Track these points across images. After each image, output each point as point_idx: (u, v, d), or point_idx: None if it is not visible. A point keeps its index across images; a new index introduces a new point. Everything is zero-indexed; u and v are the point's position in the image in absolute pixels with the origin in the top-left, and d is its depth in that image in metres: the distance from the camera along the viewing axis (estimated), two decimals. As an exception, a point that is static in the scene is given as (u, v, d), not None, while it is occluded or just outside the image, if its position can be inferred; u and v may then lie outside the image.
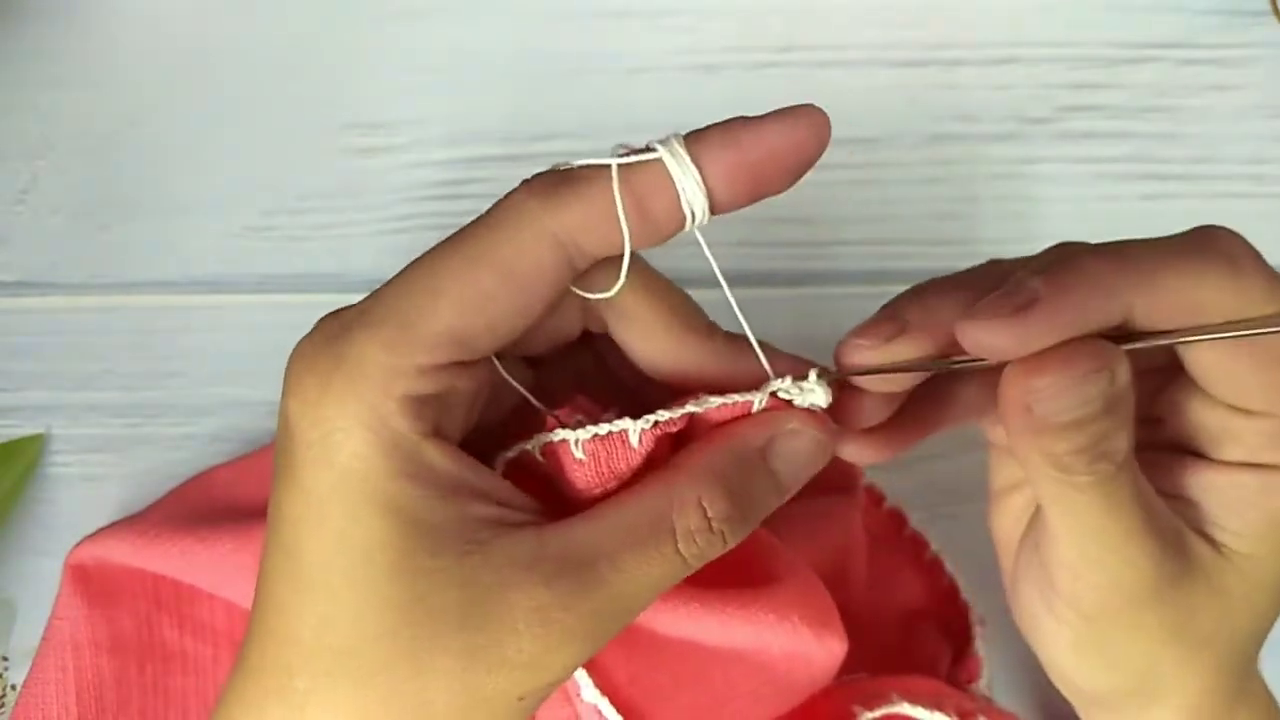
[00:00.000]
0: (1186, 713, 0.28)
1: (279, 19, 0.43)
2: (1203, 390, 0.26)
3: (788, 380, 0.25)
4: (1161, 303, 0.23)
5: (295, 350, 0.23)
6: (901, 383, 0.25)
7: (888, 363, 0.25)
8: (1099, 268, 0.23)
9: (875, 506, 0.41)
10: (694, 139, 0.22)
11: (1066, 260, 0.23)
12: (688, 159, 0.22)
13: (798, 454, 0.25)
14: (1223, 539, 0.26)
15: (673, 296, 0.25)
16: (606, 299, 0.24)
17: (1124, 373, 0.23)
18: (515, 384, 0.25)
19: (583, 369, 0.27)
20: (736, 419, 0.25)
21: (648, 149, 0.22)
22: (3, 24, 0.43)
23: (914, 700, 0.33)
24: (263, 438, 0.40)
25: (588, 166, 0.22)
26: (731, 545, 0.24)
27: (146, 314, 0.41)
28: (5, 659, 0.38)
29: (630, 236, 0.22)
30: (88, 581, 0.35)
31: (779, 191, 0.23)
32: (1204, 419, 0.26)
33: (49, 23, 0.43)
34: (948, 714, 0.33)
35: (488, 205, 0.24)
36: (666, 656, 0.30)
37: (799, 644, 0.30)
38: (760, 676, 0.30)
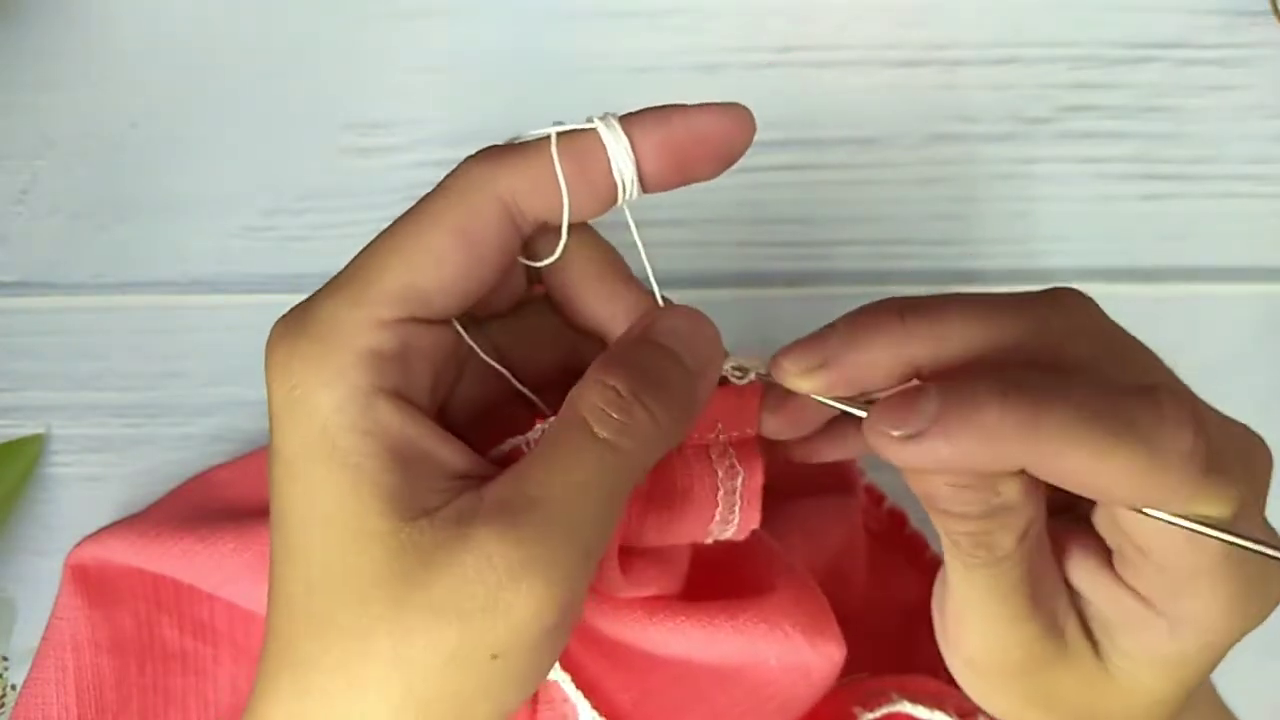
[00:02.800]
0: None
1: (279, 19, 0.43)
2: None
3: (729, 364, 0.26)
4: (1056, 473, 0.22)
5: (269, 338, 0.24)
6: (815, 407, 0.26)
7: (807, 390, 0.25)
8: (999, 420, 0.21)
9: (875, 506, 0.41)
10: (628, 117, 0.24)
11: (967, 391, 0.22)
12: (620, 131, 0.24)
13: (678, 325, 0.25)
14: (1107, 649, 0.26)
15: (606, 250, 0.26)
16: (551, 264, 0.25)
17: (1012, 490, 0.23)
18: (487, 358, 0.26)
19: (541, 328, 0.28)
20: None
21: (587, 122, 0.24)
22: (3, 24, 0.43)
23: (914, 699, 0.33)
24: (263, 438, 0.40)
25: (532, 139, 0.24)
26: (663, 421, 0.23)
27: (146, 314, 0.42)
28: (5, 659, 0.38)
29: (568, 201, 0.24)
30: (88, 581, 0.35)
31: (706, 178, 0.25)
32: (1112, 533, 0.25)
33: (49, 23, 0.43)
34: (948, 713, 0.33)
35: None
36: (666, 679, 0.30)
37: (794, 653, 0.30)
38: (762, 693, 0.30)
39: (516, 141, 0.24)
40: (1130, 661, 0.25)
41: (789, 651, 0.29)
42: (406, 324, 0.23)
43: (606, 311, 0.26)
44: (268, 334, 0.24)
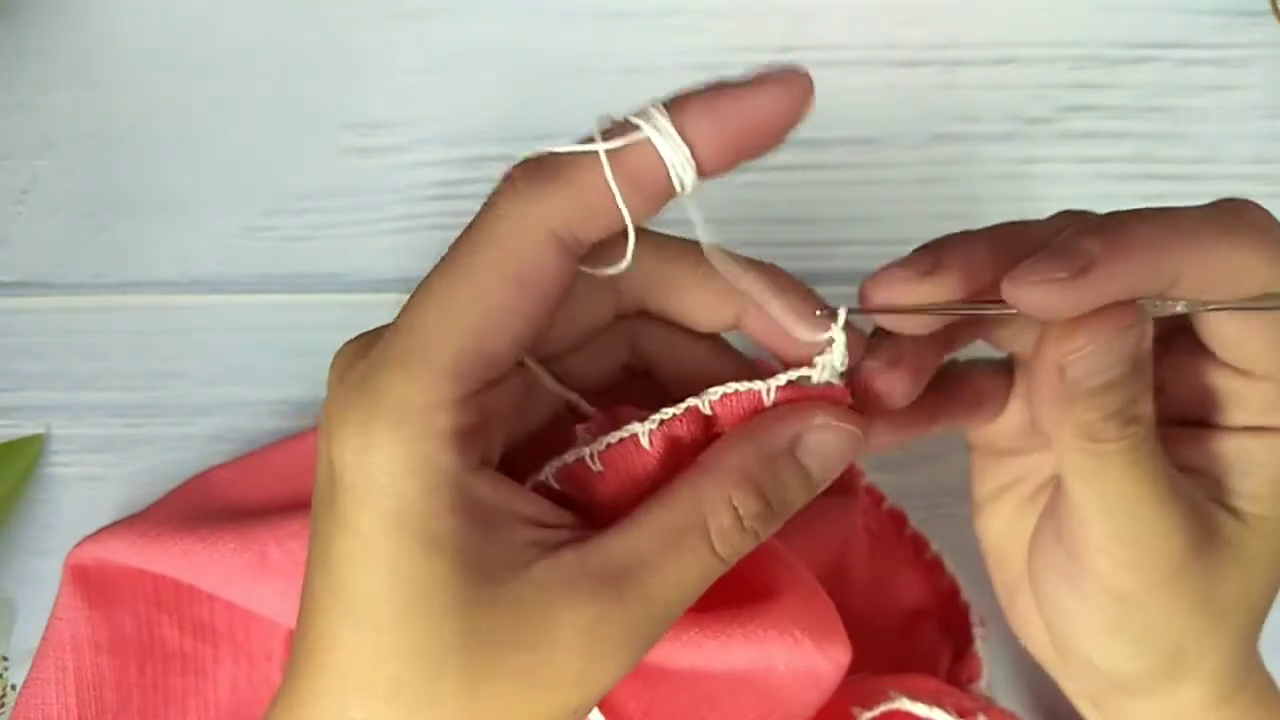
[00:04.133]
0: (1208, 686, 0.28)
1: (279, 19, 0.43)
2: (1206, 355, 0.26)
3: (796, 372, 0.25)
4: (1205, 270, 0.23)
5: (329, 398, 0.23)
6: (927, 324, 0.25)
7: (913, 304, 0.24)
8: (1152, 234, 0.23)
9: (875, 506, 0.41)
10: (678, 111, 0.22)
11: (1117, 224, 0.23)
12: (675, 134, 0.21)
13: (828, 448, 0.25)
14: (1237, 504, 0.26)
15: (693, 252, 0.25)
16: (619, 271, 0.24)
17: (1149, 333, 0.24)
18: (560, 387, 0.25)
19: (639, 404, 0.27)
20: (766, 411, 0.25)
21: (628, 123, 0.22)
22: (3, 24, 0.43)
23: (913, 697, 0.33)
24: (263, 438, 0.40)
25: (573, 152, 0.22)
26: (763, 539, 0.24)
27: (146, 314, 0.41)
28: (5, 659, 0.38)
29: (631, 221, 0.22)
30: (88, 581, 0.35)
31: (763, 155, 0.23)
32: (1208, 384, 0.26)
33: (49, 23, 0.43)
34: (947, 711, 0.33)
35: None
36: (676, 687, 0.30)
37: (802, 658, 0.29)
38: (772, 699, 0.30)
39: (553, 154, 0.22)
40: (1265, 501, 0.26)
41: (798, 657, 0.29)
42: (482, 392, 0.22)
43: (724, 310, 0.25)
44: (323, 409, 0.23)
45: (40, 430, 0.41)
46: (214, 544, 0.34)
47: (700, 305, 0.25)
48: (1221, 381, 0.26)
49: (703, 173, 0.22)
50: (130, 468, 0.40)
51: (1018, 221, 0.27)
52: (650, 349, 0.27)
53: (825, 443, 0.25)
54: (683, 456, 0.25)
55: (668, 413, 0.24)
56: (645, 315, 0.26)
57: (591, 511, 0.25)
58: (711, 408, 0.25)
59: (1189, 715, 0.28)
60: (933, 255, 0.25)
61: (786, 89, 0.22)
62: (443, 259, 0.23)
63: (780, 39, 0.43)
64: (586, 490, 0.25)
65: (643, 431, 0.24)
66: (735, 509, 0.24)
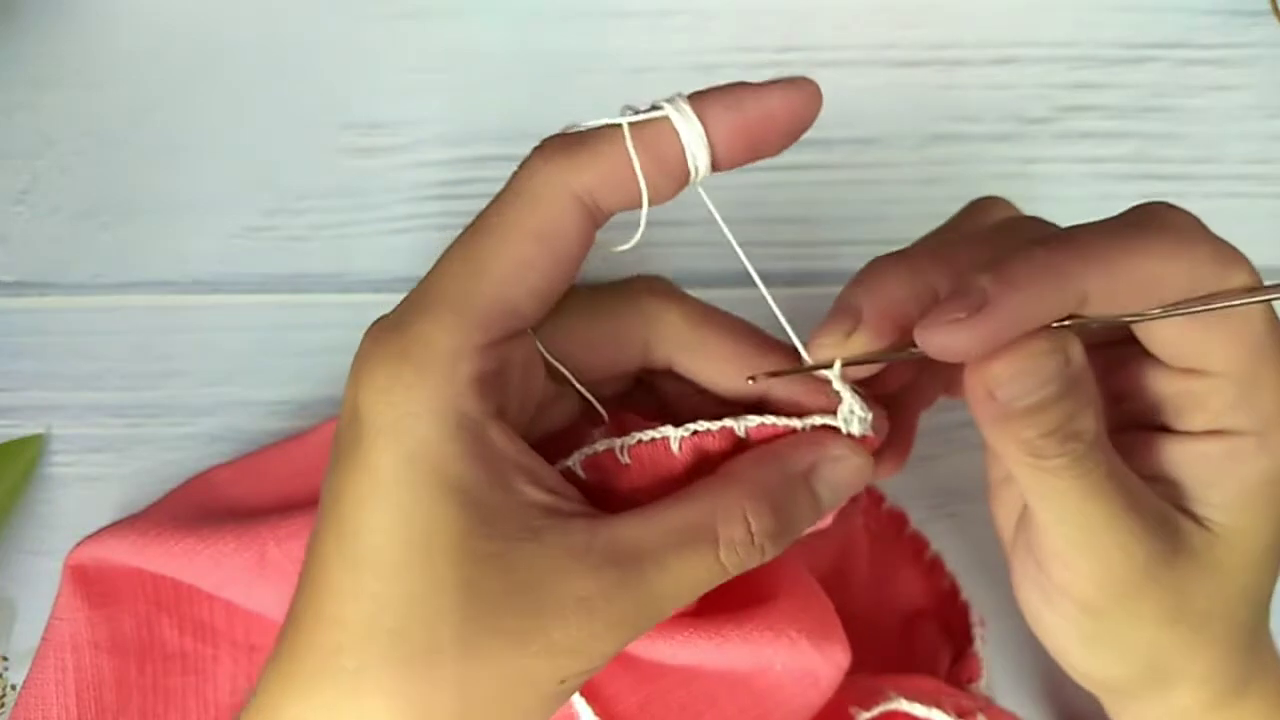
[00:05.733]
0: (1201, 691, 0.28)
1: (279, 19, 0.43)
2: (1159, 362, 0.26)
3: (825, 419, 0.26)
4: (1116, 284, 0.23)
5: (361, 347, 0.24)
6: (867, 371, 0.26)
7: (861, 355, 0.25)
8: (1048, 258, 0.23)
9: (875, 506, 0.41)
10: (698, 99, 0.24)
11: (1014, 253, 0.23)
12: (694, 116, 0.23)
13: (840, 479, 0.26)
14: (1205, 513, 0.26)
15: (732, 324, 0.27)
16: (630, 247, 0.25)
17: (1078, 352, 0.23)
18: (560, 366, 0.26)
19: (644, 413, 0.28)
20: (786, 435, 0.26)
21: (654, 108, 0.24)
22: (3, 24, 0.43)
23: (911, 698, 0.33)
24: (263, 438, 0.40)
25: (599, 127, 0.24)
26: (768, 559, 0.25)
27: (146, 314, 0.41)
28: (5, 659, 0.38)
29: (646, 193, 0.24)
30: (88, 582, 0.35)
31: (773, 154, 0.25)
32: (1164, 390, 0.26)
33: (49, 23, 0.43)
34: (946, 712, 0.33)
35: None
36: (673, 683, 0.30)
37: (800, 659, 0.30)
38: (770, 699, 0.30)
39: (581, 130, 0.24)
40: (1231, 510, 0.26)
41: (795, 657, 0.29)
42: (503, 341, 0.23)
43: (719, 376, 0.27)
44: (354, 359, 0.24)
45: (40, 430, 0.41)
46: (214, 544, 0.34)
47: (726, 375, 0.27)
48: (1176, 386, 0.26)
49: (717, 159, 0.24)
50: (130, 468, 0.40)
51: (940, 241, 0.27)
52: (667, 390, 0.28)
53: (839, 473, 0.26)
54: (708, 467, 0.26)
55: (703, 426, 0.25)
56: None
57: (609, 502, 0.25)
58: (747, 433, 0.25)
59: (1190, 716, 0.28)
60: (850, 310, 0.25)
61: (799, 92, 0.24)
62: (475, 219, 0.24)
63: (780, 39, 0.43)
64: (609, 480, 0.25)
65: (674, 437, 0.25)
66: (748, 523, 0.24)
